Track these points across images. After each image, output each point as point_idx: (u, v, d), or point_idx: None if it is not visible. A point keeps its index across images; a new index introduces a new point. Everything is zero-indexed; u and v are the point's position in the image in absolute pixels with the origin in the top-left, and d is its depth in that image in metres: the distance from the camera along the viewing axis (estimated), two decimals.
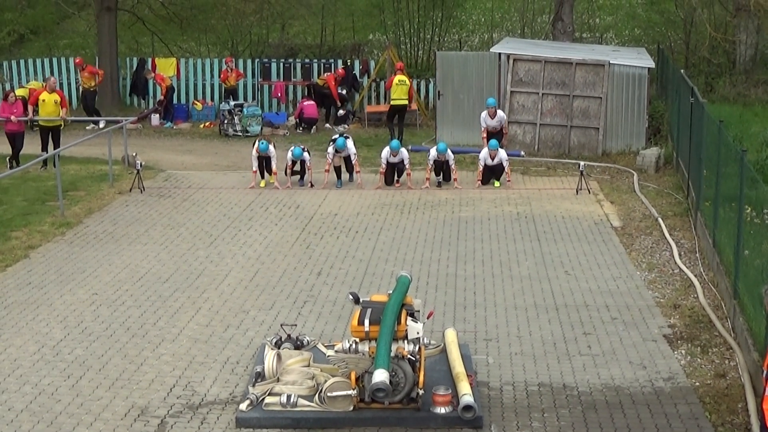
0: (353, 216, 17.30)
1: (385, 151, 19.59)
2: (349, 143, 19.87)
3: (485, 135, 20.90)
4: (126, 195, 19.04)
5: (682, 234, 15.95)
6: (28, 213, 17.60)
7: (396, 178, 19.82)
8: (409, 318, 9.61)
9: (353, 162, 19.90)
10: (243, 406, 9.44)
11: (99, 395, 9.99)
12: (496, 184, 19.60)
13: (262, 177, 19.71)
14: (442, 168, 19.66)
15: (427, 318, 10.82)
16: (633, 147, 22.38)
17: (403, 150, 19.68)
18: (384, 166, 19.57)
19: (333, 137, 20.27)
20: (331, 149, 19.69)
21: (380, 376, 8.81)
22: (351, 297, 10.05)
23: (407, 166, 19.50)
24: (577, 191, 18.93)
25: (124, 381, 10.35)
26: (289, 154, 19.51)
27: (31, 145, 21.67)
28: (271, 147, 19.56)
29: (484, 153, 19.62)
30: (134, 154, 20.47)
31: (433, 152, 19.55)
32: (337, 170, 19.80)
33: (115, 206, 18.22)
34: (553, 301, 12.80)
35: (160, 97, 27.70)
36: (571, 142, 22.71)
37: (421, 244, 15.46)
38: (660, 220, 16.68)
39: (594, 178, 20.26)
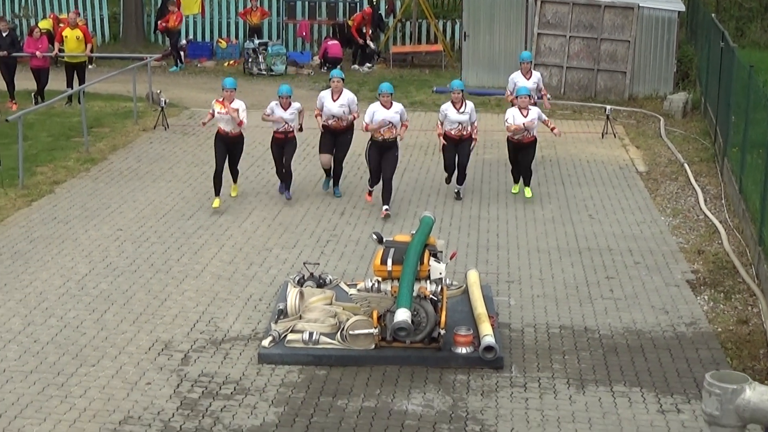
0: None
1: (374, 106, 13.90)
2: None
3: (511, 98, 15.84)
4: (150, 132, 19.06)
5: (708, 180, 15.84)
6: (53, 149, 17.66)
7: (381, 176, 13.91)
8: (431, 258, 9.63)
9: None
10: (265, 343, 9.51)
11: (123, 329, 10.08)
12: (528, 194, 14.60)
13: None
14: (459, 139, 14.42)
15: (450, 259, 10.83)
16: (660, 92, 22.16)
17: (399, 104, 14.07)
18: (366, 124, 13.82)
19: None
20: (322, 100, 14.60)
21: (402, 315, 8.84)
22: (374, 237, 10.07)
23: (405, 120, 14.02)
24: (602, 135, 18.79)
25: (148, 316, 10.44)
26: (271, 107, 14.49)
27: (56, 81, 21.67)
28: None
29: (514, 114, 14.41)
30: (158, 92, 20.45)
31: (444, 110, 14.35)
32: (326, 171, 14.91)
33: (139, 143, 18.24)
34: (576, 245, 12.77)
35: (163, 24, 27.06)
36: (597, 86, 22.50)
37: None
38: (686, 165, 16.57)
39: (620, 123, 20.09)
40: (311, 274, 10.94)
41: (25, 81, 21.80)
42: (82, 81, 21.33)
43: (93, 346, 9.67)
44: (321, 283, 10.83)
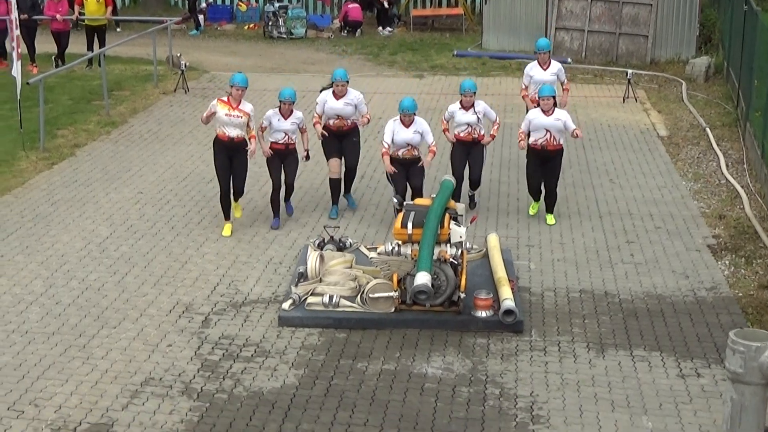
0: None
1: (392, 124, 11.95)
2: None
3: (526, 95, 14.02)
4: (170, 95, 19.07)
5: (730, 144, 15.73)
6: (74, 112, 17.70)
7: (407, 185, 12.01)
8: (452, 222, 9.63)
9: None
10: (285, 306, 9.55)
11: (144, 291, 10.14)
12: (550, 220, 12.24)
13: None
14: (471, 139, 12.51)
15: (470, 223, 10.82)
16: (683, 55, 21.96)
17: (422, 120, 12.01)
18: (387, 145, 11.85)
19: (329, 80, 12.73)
20: (321, 100, 12.53)
21: (422, 278, 8.86)
22: (395, 200, 10.08)
23: (430, 144, 11.87)
24: (624, 99, 18.67)
25: (168, 278, 10.49)
26: (268, 117, 12.35)
27: (77, 45, 21.68)
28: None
29: (533, 116, 12.13)
30: (179, 55, 20.43)
31: (452, 111, 12.50)
32: (334, 183, 12.60)
33: (159, 106, 18.26)
34: (596, 209, 12.73)
35: None
36: (619, 50, 22.32)
37: None
38: (708, 129, 16.45)
39: (641, 87, 19.95)
40: (331, 237, 10.96)
41: (45, 44, 21.82)
42: (102, 44, 21.35)
43: (114, 308, 9.74)
44: (341, 247, 10.85)
